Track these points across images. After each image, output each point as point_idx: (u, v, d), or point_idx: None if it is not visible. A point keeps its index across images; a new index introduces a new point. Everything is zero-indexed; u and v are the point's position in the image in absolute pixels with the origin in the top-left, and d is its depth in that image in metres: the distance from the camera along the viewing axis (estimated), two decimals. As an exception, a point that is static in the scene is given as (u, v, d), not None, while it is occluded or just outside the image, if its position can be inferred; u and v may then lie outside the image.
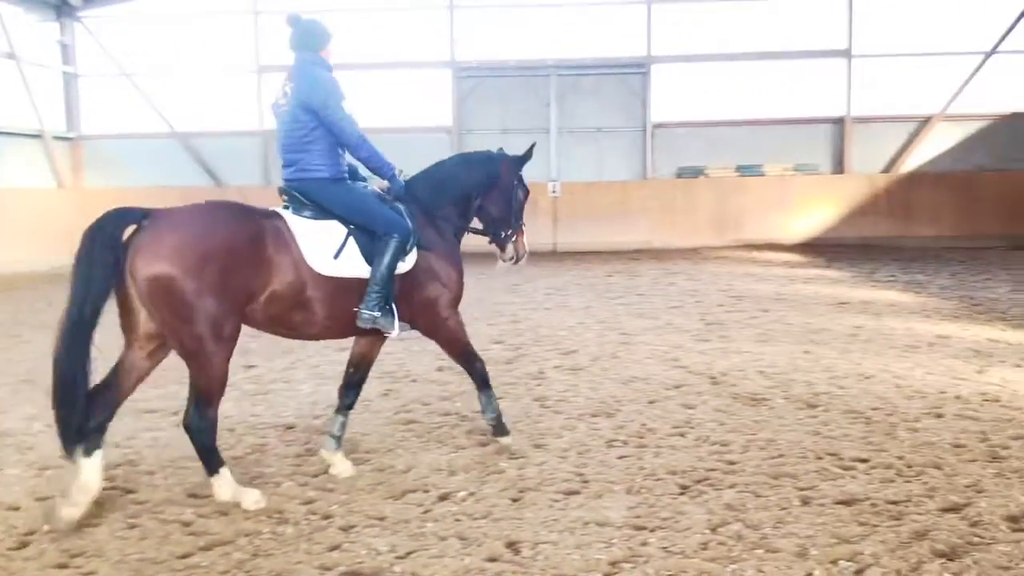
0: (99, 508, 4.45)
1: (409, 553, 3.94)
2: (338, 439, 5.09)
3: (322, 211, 4.80)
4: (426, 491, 4.70)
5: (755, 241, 19.22)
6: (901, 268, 14.92)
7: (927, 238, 19.08)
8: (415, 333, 5.23)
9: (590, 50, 19.80)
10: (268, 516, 4.38)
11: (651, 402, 6.47)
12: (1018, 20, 19.16)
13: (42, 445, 5.58)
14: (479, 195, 5.48)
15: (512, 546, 4.00)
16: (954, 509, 4.32)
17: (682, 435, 5.64)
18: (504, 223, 5.58)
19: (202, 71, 20.42)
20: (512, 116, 19.88)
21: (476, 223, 5.62)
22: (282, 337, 4.93)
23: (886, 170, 19.74)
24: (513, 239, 5.63)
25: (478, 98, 19.96)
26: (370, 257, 4.77)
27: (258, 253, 4.45)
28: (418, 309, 5.04)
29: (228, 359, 4.42)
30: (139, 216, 4.34)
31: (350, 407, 5.22)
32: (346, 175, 4.98)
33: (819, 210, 19.46)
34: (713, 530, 4.12)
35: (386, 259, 4.74)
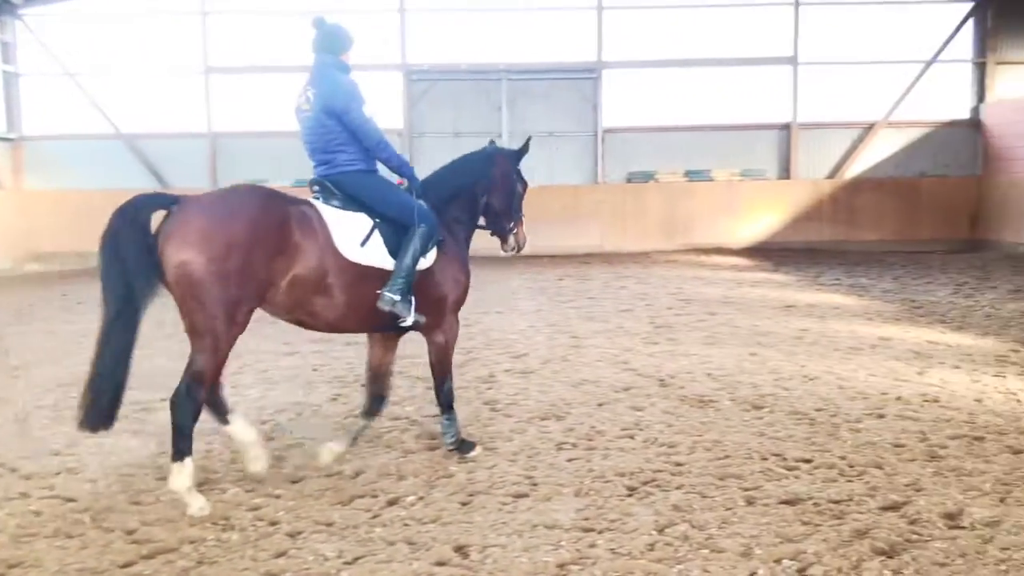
0: (37, 517, 4.36)
1: (357, 559, 3.92)
2: (356, 438, 5.39)
3: (350, 202, 5.00)
4: (375, 496, 4.68)
5: (704, 245, 19.45)
6: (846, 272, 15.22)
7: (870, 242, 19.50)
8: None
9: (542, 55, 19.88)
10: (213, 523, 4.32)
11: (600, 405, 6.52)
12: (958, 30, 19.69)
13: (-21, 453, 5.43)
14: (484, 192, 5.63)
15: (461, 550, 4.00)
16: (894, 508, 4.42)
17: (631, 437, 5.69)
18: (506, 216, 5.75)
19: (148, 72, 20.05)
20: (464, 120, 19.87)
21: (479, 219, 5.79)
22: (301, 326, 5.02)
23: (831, 176, 20.12)
24: (514, 230, 5.80)
25: (430, 101, 19.92)
26: (393, 249, 4.96)
27: (284, 238, 4.56)
28: (425, 306, 5.15)
29: (233, 344, 4.54)
30: (168, 201, 4.46)
31: (375, 414, 5.49)
32: (376, 168, 5.18)
33: (766, 215, 19.78)
34: (660, 531, 4.16)
35: (413, 247, 4.94)
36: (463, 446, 5.36)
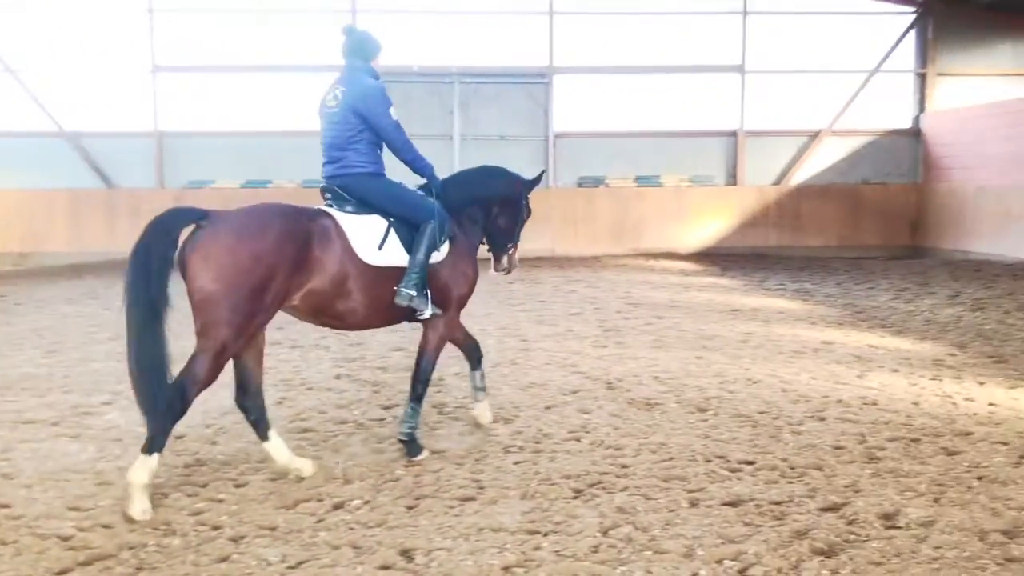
0: (-29, 524, 4.25)
1: (301, 563, 3.89)
2: (482, 388, 5.91)
3: (363, 205, 5.21)
4: (320, 500, 4.65)
5: (653, 250, 19.63)
6: (790, 277, 15.48)
7: (815, 248, 19.86)
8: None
9: (493, 59, 19.90)
10: (154, 528, 4.26)
11: (548, 408, 6.55)
12: (900, 41, 20.17)
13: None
14: (497, 205, 5.90)
15: (406, 554, 3.99)
16: (833, 508, 4.51)
17: (577, 440, 5.73)
18: (508, 236, 6.05)
19: (93, 69, 19.64)
20: (415, 122, 19.71)
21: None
22: (327, 327, 5.34)
23: (777, 182, 20.46)
24: (510, 251, 6.11)
25: (380, 103, 19.80)
26: (409, 247, 5.19)
27: (305, 255, 4.78)
28: (433, 299, 5.33)
29: (243, 345, 4.71)
30: (198, 216, 4.65)
31: (480, 360, 5.95)
32: (384, 171, 5.38)
33: (714, 220, 20.03)
34: (604, 533, 4.20)
35: (424, 244, 5.17)
36: (412, 446, 5.35)
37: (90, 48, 19.54)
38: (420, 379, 5.51)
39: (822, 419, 6.19)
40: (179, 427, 5.92)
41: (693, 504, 4.57)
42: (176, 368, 4.62)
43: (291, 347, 8.86)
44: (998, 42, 20.39)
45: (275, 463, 5.00)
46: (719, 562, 3.89)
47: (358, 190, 5.24)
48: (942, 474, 5.02)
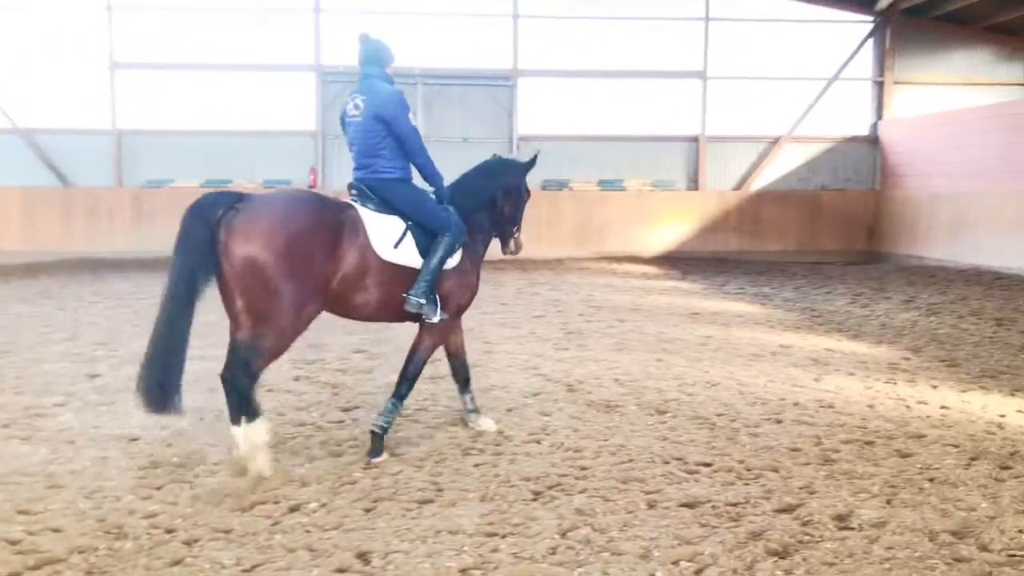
0: (-85, 528, 4.15)
1: (255, 566, 3.85)
2: (474, 410, 6.02)
3: (384, 206, 5.43)
4: (276, 503, 4.60)
5: (615, 253, 19.74)
6: (750, 281, 15.65)
7: (774, 253, 20.11)
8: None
9: (458, 60, 19.88)
10: (105, 532, 4.19)
11: (509, 410, 6.55)
12: (858, 49, 20.50)
13: None
14: (502, 199, 6.09)
15: (362, 556, 3.96)
16: (788, 510, 4.57)
17: (537, 442, 5.73)
18: (512, 222, 6.23)
19: (49, 65, 19.29)
20: (378, 123, 19.71)
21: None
22: (341, 317, 5.50)
23: (737, 187, 20.68)
24: (515, 234, 6.28)
25: (344, 103, 19.67)
26: (423, 250, 5.41)
27: (336, 240, 5.02)
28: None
29: (300, 330, 4.98)
30: (233, 200, 4.84)
31: (468, 382, 6.06)
32: (411, 177, 5.56)
33: (675, 224, 20.20)
34: (563, 535, 4.21)
35: (439, 254, 5.40)
36: (378, 441, 5.33)
37: (46, 44, 19.21)
38: (407, 378, 5.63)
39: (779, 421, 6.26)
40: (133, 429, 5.91)
41: (651, 506, 4.60)
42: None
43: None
44: (953, 52, 20.85)
45: (237, 450, 4.95)
46: (675, 563, 3.91)
47: (385, 192, 5.46)
48: (895, 476, 5.10)
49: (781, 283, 15.33)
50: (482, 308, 11.93)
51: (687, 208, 20.28)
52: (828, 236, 20.47)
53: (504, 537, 4.18)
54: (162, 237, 21.19)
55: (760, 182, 20.67)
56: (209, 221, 4.75)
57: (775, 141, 20.62)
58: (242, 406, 4.87)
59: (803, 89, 20.59)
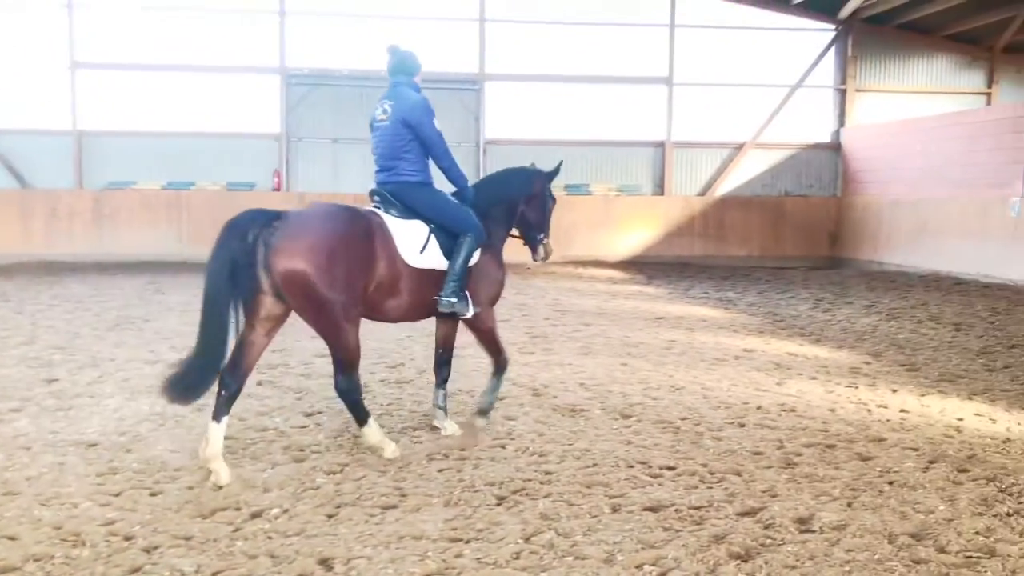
0: None
1: (216, 573, 3.80)
2: (444, 408, 6.09)
3: (406, 211, 5.65)
4: (237, 509, 4.55)
5: (582, 258, 19.80)
6: (714, 286, 15.77)
7: (738, 258, 20.31)
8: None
9: (424, 64, 19.77)
10: (62, 539, 4.11)
11: (474, 414, 6.52)
12: (821, 57, 20.79)
13: None
14: (522, 204, 6.34)
15: (325, 563, 3.92)
16: (750, 513, 4.60)
17: (502, 447, 5.72)
18: (539, 228, 6.52)
19: (7, 64, 18.93)
20: (344, 126, 19.63)
21: (514, 229, 6.48)
22: (371, 320, 5.64)
23: (702, 193, 20.85)
24: (543, 241, 6.54)
25: (309, 106, 19.57)
26: (447, 252, 5.64)
27: (371, 249, 5.27)
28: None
29: (358, 332, 5.29)
30: (272, 216, 5.06)
31: (446, 381, 6.16)
32: (432, 181, 5.80)
33: (641, 229, 20.32)
34: (527, 539, 4.20)
35: (463, 254, 5.63)
36: (485, 411, 6.00)
37: (4, 43, 18.87)
38: (498, 364, 6.08)
39: (742, 425, 6.31)
40: (92, 435, 5.81)
41: (615, 510, 4.61)
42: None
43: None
44: (914, 61, 21.22)
45: (207, 448, 5.00)
46: (639, 567, 3.92)
47: (405, 197, 5.68)
48: (855, 479, 5.16)
49: (745, 288, 15.47)
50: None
51: (652, 213, 20.42)
52: (791, 241, 20.73)
53: (468, 542, 4.16)
54: (123, 239, 20.97)
55: (725, 188, 20.86)
56: (246, 238, 4.94)
57: (740, 147, 20.83)
58: (359, 412, 5.40)
59: (767, 96, 20.84)
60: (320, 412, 6.52)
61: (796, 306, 13.05)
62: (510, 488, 4.91)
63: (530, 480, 5.05)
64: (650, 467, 5.32)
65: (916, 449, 5.77)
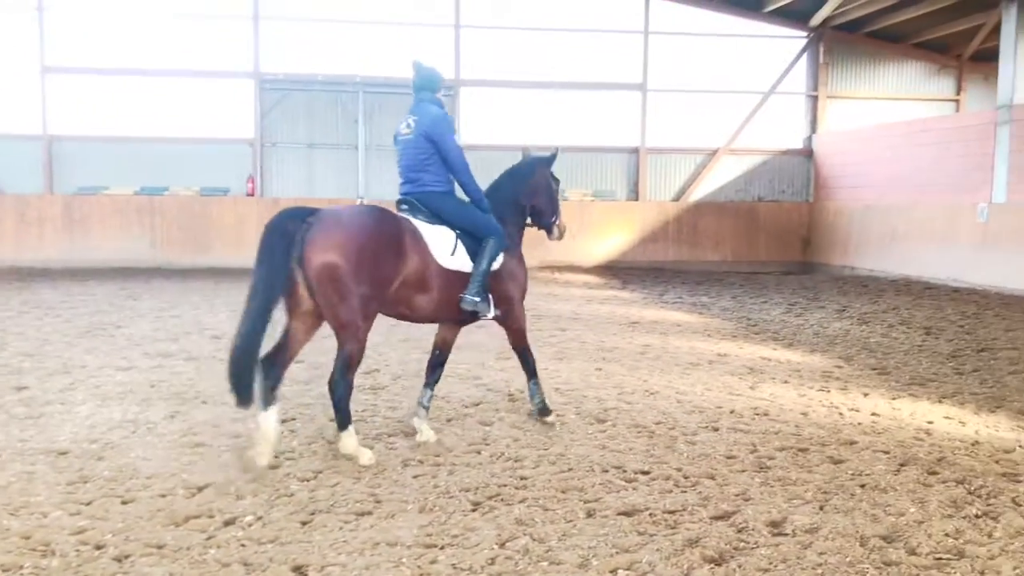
0: None
1: (188, 582, 3.77)
2: (427, 408, 6.15)
3: (433, 217, 5.95)
4: (211, 516, 4.51)
5: (557, 262, 19.84)
6: (688, 290, 15.86)
7: (712, 263, 20.45)
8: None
9: (399, 69, 19.77)
10: (31, 549, 4.06)
11: (449, 420, 6.53)
12: (793, 64, 21.02)
13: None
14: (530, 199, 6.63)
15: (299, 570, 3.91)
16: (724, 517, 4.62)
17: (478, 452, 5.72)
18: (549, 212, 6.79)
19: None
20: (319, 131, 19.57)
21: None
22: (400, 319, 5.93)
23: (676, 198, 20.98)
24: (556, 222, 6.85)
25: (283, 111, 19.48)
26: (472, 255, 5.96)
27: (400, 248, 5.53)
28: (496, 301, 6.14)
29: (368, 332, 5.45)
30: (307, 214, 5.36)
31: (436, 382, 6.32)
32: (454, 190, 6.09)
33: (616, 234, 20.42)
34: (502, 545, 4.20)
35: (487, 256, 5.96)
36: (544, 409, 6.42)
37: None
38: (527, 364, 6.49)
39: (716, 429, 6.35)
40: (62, 443, 5.75)
41: (590, 514, 4.62)
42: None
43: (186, 359, 8.62)
44: (884, 68, 21.51)
45: (263, 435, 5.25)
46: (613, 571, 3.93)
47: (432, 205, 5.97)
48: (827, 482, 5.21)
49: (718, 293, 15.56)
50: (423, 318, 11.88)
51: (627, 218, 20.52)
52: (764, 247, 20.91)
53: (443, 548, 4.16)
54: (95, 245, 20.74)
55: (698, 193, 21.00)
56: (288, 235, 5.21)
57: (713, 153, 20.99)
58: (343, 415, 5.43)
59: (740, 102, 21.03)
60: (294, 419, 6.49)
61: (769, 311, 13.15)
62: (485, 494, 4.91)
63: (505, 485, 5.05)
64: (624, 471, 5.34)
65: (887, 452, 5.83)
